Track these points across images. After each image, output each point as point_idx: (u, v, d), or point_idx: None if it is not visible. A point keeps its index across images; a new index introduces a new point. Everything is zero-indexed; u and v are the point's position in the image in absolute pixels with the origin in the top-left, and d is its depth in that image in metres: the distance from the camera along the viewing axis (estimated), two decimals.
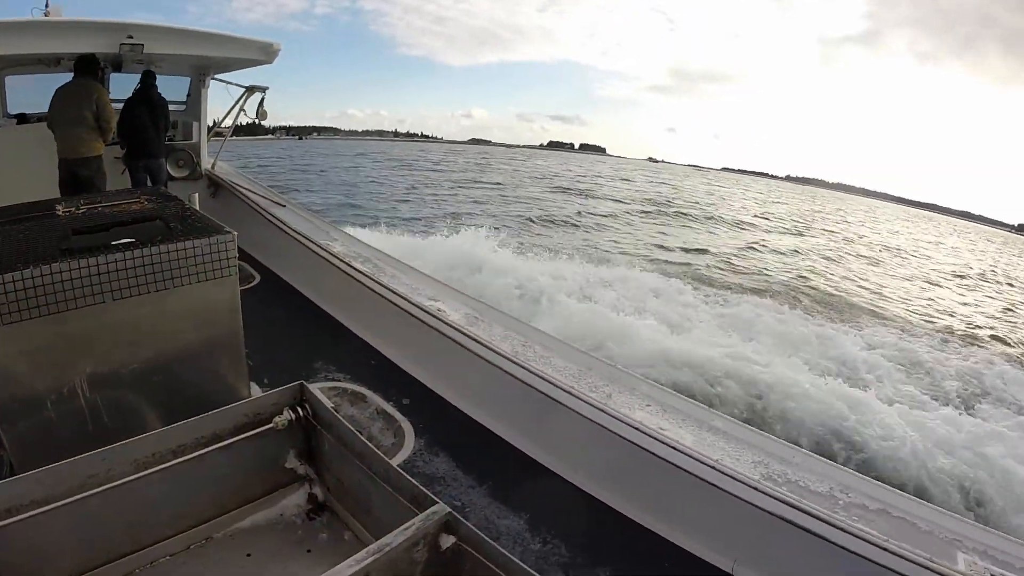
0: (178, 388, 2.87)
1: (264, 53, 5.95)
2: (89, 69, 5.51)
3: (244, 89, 7.13)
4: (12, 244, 2.74)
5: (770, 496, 2.49)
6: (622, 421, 2.61)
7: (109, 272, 2.54)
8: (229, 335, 2.97)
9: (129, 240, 2.70)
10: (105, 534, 2.21)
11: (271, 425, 2.43)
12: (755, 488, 2.45)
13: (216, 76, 7.36)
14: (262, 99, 7.09)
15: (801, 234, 31.91)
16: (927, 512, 2.66)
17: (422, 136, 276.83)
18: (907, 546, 2.34)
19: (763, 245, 24.48)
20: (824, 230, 36.21)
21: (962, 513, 4.31)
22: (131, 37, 5.09)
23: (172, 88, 7.33)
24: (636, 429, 2.57)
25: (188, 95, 7.63)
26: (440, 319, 3.43)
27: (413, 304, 3.63)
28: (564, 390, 2.79)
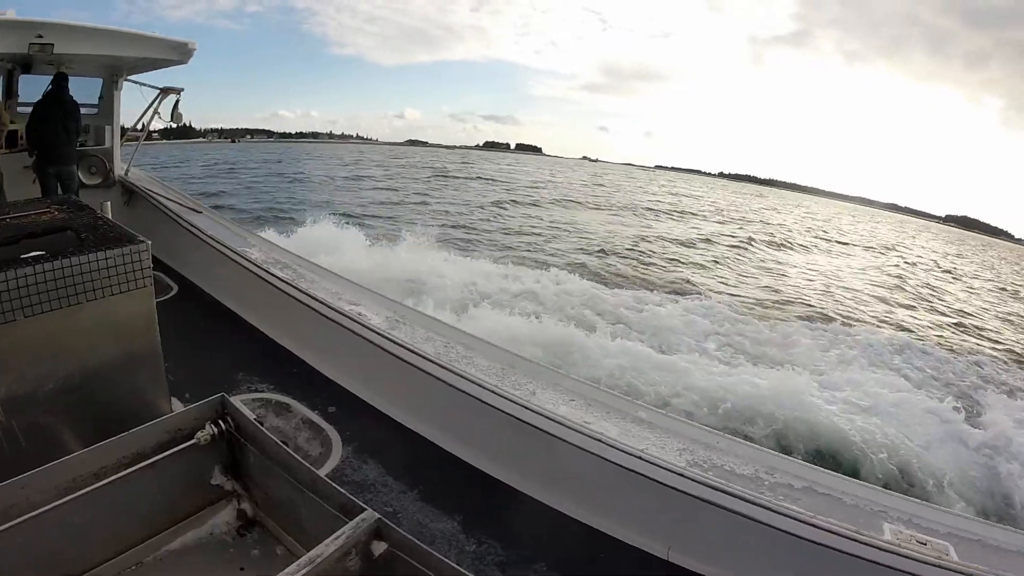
0: (97, 406, 2.77)
1: (179, 52, 5.78)
2: None
3: (159, 91, 6.90)
4: None
5: (696, 482, 2.57)
6: (546, 417, 2.65)
7: (19, 287, 2.43)
8: (147, 349, 2.89)
9: (39, 253, 2.59)
10: (27, 566, 2.10)
11: (194, 441, 2.37)
12: (681, 475, 2.53)
13: (129, 77, 7.09)
14: (177, 101, 6.88)
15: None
16: (852, 487, 2.79)
17: (358, 138, 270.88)
18: (833, 521, 2.45)
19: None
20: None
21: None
22: (41, 36, 4.87)
23: (83, 90, 7.01)
24: (561, 424, 2.62)
25: (100, 97, 7.30)
26: (361, 323, 3.41)
27: (333, 309, 3.60)
28: (488, 389, 2.82)
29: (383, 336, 3.26)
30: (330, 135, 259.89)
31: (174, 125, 7.16)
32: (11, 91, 6.68)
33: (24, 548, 2.06)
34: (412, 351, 3.11)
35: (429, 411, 3.21)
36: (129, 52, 5.80)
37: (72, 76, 6.33)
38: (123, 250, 2.67)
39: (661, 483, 2.56)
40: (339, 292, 3.82)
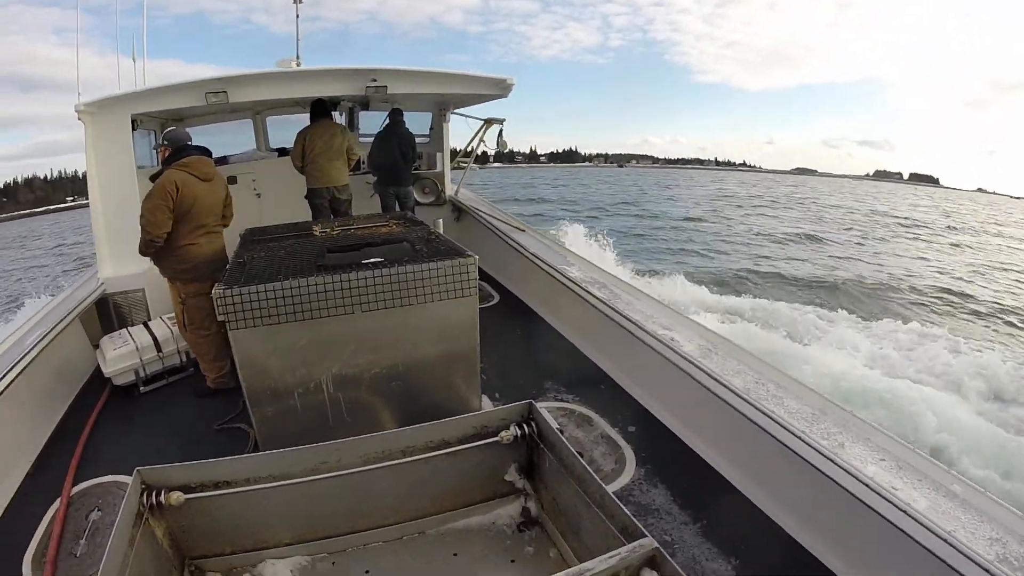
0: (413, 395, 3.18)
1: (498, 88, 6.33)
2: (326, 111, 6.43)
3: (483, 121, 7.59)
4: (276, 259, 3.27)
5: None
6: (852, 475, 2.35)
7: (359, 287, 2.91)
8: (466, 350, 3.23)
9: (378, 259, 3.07)
10: (327, 514, 2.51)
11: (497, 438, 2.57)
12: (987, 571, 2.07)
13: (456, 111, 7.98)
14: (500, 130, 7.47)
15: None
16: None
17: (745, 165, 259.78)
18: None
19: None
20: None
21: None
22: (375, 80, 5.74)
23: (418, 123, 8.16)
24: (866, 486, 2.30)
25: (431, 128, 8.40)
26: (673, 349, 3.35)
27: (646, 332, 3.60)
28: (795, 434, 2.58)
29: (693, 363, 3.18)
30: (716, 162, 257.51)
31: (496, 151, 7.85)
32: (353, 125, 8.11)
33: (326, 498, 2.47)
34: (720, 382, 2.99)
35: (728, 446, 3.06)
36: (453, 89, 6.48)
37: (406, 111, 7.37)
38: (453, 262, 3.04)
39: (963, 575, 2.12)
40: (653, 315, 3.81)
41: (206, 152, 4.06)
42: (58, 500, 3.05)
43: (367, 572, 2.43)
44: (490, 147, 7.74)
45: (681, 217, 33.20)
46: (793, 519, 2.67)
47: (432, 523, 2.63)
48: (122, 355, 4.25)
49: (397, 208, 7.19)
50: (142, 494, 2.24)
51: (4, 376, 3.36)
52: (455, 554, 2.51)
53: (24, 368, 3.55)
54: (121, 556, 1.94)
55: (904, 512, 2.19)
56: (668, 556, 1.76)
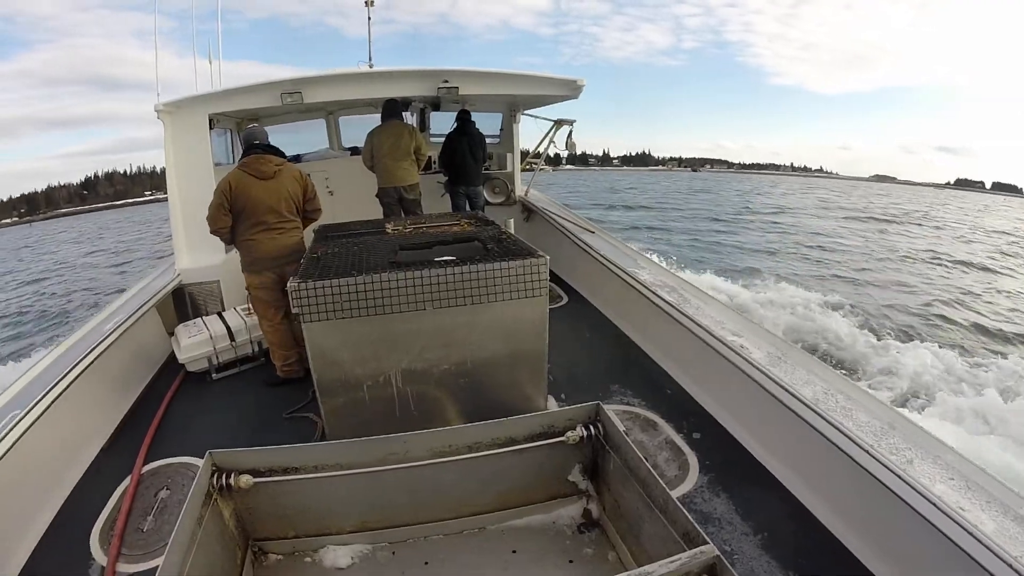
0: (480, 392, 3.23)
1: (569, 89, 6.32)
2: (396, 112, 6.55)
3: (553, 122, 7.65)
4: (350, 255, 3.36)
5: None
6: (919, 492, 2.26)
7: (431, 284, 2.97)
8: (534, 350, 3.26)
9: (450, 258, 3.12)
10: (390, 504, 2.58)
11: (563, 439, 2.59)
12: None
13: (526, 112, 8.05)
14: (570, 132, 7.50)
15: None
16: None
17: (822, 171, 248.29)
18: None
19: None
20: None
21: None
22: (447, 81, 5.84)
23: (488, 123, 8.23)
24: (933, 505, 2.21)
25: (501, 129, 8.48)
26: (742, 356, 3.28)
27: (715, 337, 3.54)
28: (863, 448, 2.50)
29: (762, 372, 3.11)
30: (792, 167, 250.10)
31: (567, 153, 7.81)
32: (424, 125, 8.28)
33: (392, 488, 2.54)
34: (789, 391, 2.91)
35: (793, 457, 2.98)
36: (524, 91, 6.54)
37: (477, 112, 7.49)
38: (524, 262, 3.07)
39: None
40: (723, 321, 3.73)
41: (272, 150, 4.19)
42: (128, 477, 3.21)
43: (426, 563, 2.48)
44: (560, 148, 7.74)
45: (811, 231, 28.06)
46: (856, 536, 2.60)
47: (493, 519, 2.67)
48: (196, 343, 4.46)
49: (467, 208, 7.28)
50: (212, 475, 2.36)
51: (83, 359, 3.55)
52: (514, 551, 2.54)
53: (102, 352, 3.75)
54: (189, 533, 2.04)
55: (970, 534, 2.11)
56: (728, 566, 1.75)
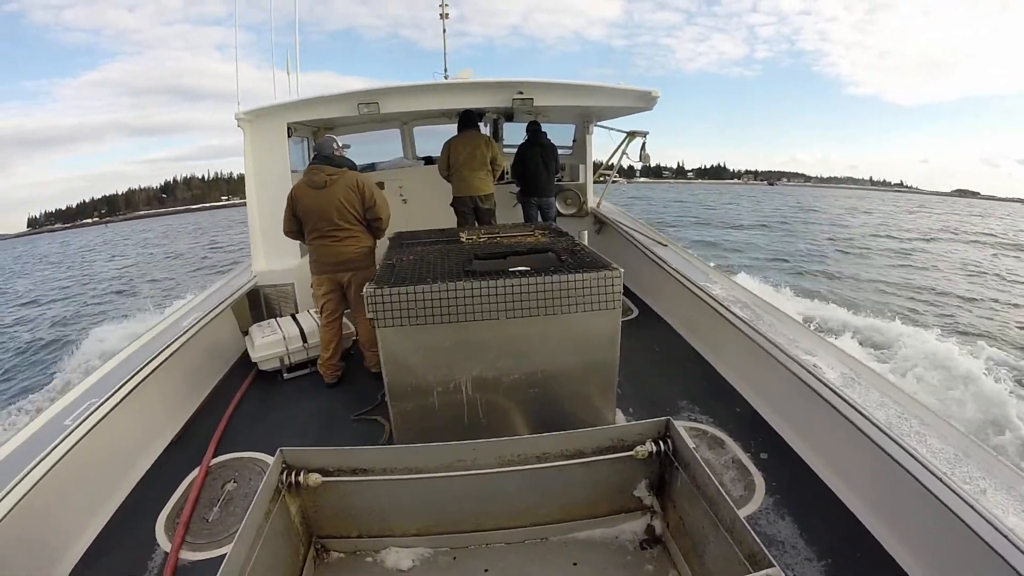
0: (549, 403, 3.24)
1: (644, 100, 6.28)
2: (472, 122, 6.66)
3: (626, 134, 7.61)
4: (427, 263, 3.44)
5: None
6: (992, 525, 2.16)
7: (505, 294, 3.01)
8: (605, 363, 3.25)
9: (524, 268, 3.17)
10: (454, 510, 2.61)
11: (631, 453, 2.57)
12: None
13: (599, 123, 8.03)
14: (643, 143, 7.44)
15: None
16: None
17: (902, 185, 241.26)
18: None
19: None
20: None
21: None
22: (521, 93, 5.89)
23: (561, 135, 8.29)
24: (1005, 537, 2.11)
25: (574, 140, 8.50)
26: (815, 376, 3.21)
27: (788, 356, 3.47)
28: (936, 475, 2.40)
29: (835, 392, 3.03)
30: (871, 181, 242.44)
31: (642, 165, 7.72)
32: (497, 136, 8.35)
33: (458, 494, 2.57)
34: (862, 414, 2.83)
35: (863, 482, 2.89)
36: (597, 102, 6.48)
37: (550, 123, 7.53)
38: (598, 274, 3.07)
39: None
40: (796, 339, 3.66)
41: (328, 161, 4.26)
42: (197, 468, 3.37)
43: (486, 571, 2.50)
44: (633, 159, 7.70)
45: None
46: (923, 567, 2.50)
47: (556, 530, 2.67)
48: (269, 343, 4.62)
49: (539, 218, 7.33)
50: (282, 472, 2.44)
51: (160, 353, 3.75)
52: (575, 564, 2.54)
53: (178, 348, 3.95)
54: (256, 527, 2.12)
55: None
56: None
